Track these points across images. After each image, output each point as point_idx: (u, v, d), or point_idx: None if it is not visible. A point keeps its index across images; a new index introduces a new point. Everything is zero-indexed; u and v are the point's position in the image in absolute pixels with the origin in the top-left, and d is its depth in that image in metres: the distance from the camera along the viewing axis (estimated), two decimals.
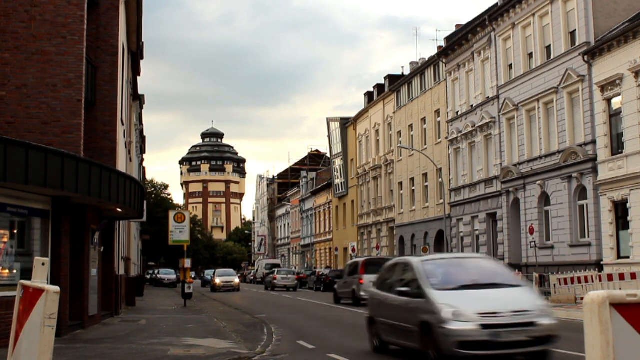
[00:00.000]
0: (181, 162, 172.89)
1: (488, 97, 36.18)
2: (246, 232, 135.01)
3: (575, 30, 29.12)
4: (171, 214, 29.70)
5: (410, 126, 47.06)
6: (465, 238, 38.76)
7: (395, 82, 51.09)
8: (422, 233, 44.49)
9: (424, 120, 45.11)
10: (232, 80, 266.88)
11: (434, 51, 44.79)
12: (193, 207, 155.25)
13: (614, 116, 26.37)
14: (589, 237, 27.67)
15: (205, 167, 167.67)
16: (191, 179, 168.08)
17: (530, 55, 32.41)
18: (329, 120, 66.24)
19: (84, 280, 17.06)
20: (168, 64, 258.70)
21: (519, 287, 10.87)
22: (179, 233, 28.63)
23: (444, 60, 41.58)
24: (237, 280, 47.66)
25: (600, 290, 2.86)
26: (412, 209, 46.60)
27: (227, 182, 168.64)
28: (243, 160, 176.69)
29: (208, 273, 65.59)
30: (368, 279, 23.94)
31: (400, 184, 48.88)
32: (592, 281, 23.79)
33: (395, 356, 12.22)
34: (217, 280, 46.75)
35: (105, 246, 20.89)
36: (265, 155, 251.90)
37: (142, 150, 50.43)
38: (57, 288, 4.17)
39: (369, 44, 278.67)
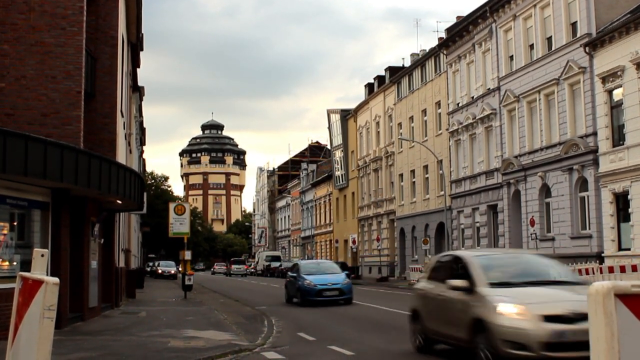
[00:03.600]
0: (181, 154, 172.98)
1: (489, 88, 36.08)
2: (246, 224, 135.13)
3: (576, 21, 28.99)
4: (171, 206, 29.70)
5: (411, 118, 46.96)
6: (466, 230, 38.73)
7: (395, 73, 50.92)
8: (423, 225, 44.46)
9: (424, 112, 45.01)
10: (235, 72, 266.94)
11: (435, 43, 44.66)
12: (193, 199, 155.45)
13: (615, 108, 26.29)
14: (589, 229, 27.63)
15: (205, 159, 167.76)
16: (191, 170, 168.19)
17: (531, 46, 32.28)
18: (329, 112, 66.09)
19: (84, 272, 17.05)
20: (171, 55, 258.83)
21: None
22: (179, 225, 28.64)
23: (445, 52, 41.45)
24: None
25: (605, 281, 2.82)
26: (413, 200, 46.56)
27: (227, 174, 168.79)
28: (243, 152, 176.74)
29: (308, 268, 25.75)
30: (235, 266, 52.26)
31: (401, 175, 48.82)
32: (593, 273, 23.76)
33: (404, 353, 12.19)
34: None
35: (105, 238, 20.87)
36: (266, 147, 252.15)
37: (142, 142, 50.40)
38: (56, 279, 4.14)
39: (373, 35, 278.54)
